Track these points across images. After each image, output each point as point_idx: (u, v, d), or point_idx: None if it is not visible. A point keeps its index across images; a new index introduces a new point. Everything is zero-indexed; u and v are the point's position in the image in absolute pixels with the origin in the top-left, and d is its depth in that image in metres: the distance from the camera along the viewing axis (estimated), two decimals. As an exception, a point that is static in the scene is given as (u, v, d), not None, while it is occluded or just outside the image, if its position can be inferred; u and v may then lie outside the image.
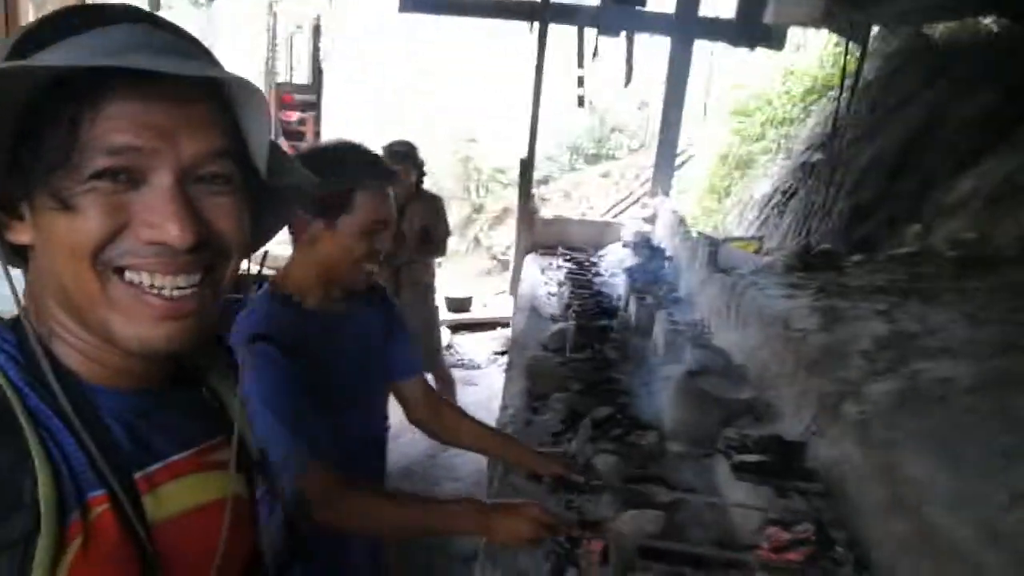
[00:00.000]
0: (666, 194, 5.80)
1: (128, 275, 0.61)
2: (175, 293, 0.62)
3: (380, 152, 3.95)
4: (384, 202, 1.46)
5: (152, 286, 0.61)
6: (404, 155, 3.98)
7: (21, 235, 0.63)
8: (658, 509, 1.70)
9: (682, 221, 4.66)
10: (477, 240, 10.81)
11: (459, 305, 7.04)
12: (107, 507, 0.62)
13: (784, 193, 5.08)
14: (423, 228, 4.12)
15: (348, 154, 1.45)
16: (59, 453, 0.61)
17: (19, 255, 0.66)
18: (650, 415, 2.36)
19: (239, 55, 9.45)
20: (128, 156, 0.59)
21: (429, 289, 4.35)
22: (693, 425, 2.20)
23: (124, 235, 0.60)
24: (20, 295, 0.64)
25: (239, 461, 0.77)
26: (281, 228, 0.86)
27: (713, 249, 3.62)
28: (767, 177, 5.70)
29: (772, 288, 2.87)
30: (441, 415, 1.85)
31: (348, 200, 1.41)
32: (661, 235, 5.08)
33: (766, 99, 7.02)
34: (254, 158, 0.66)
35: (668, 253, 4.52)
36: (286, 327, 1.40)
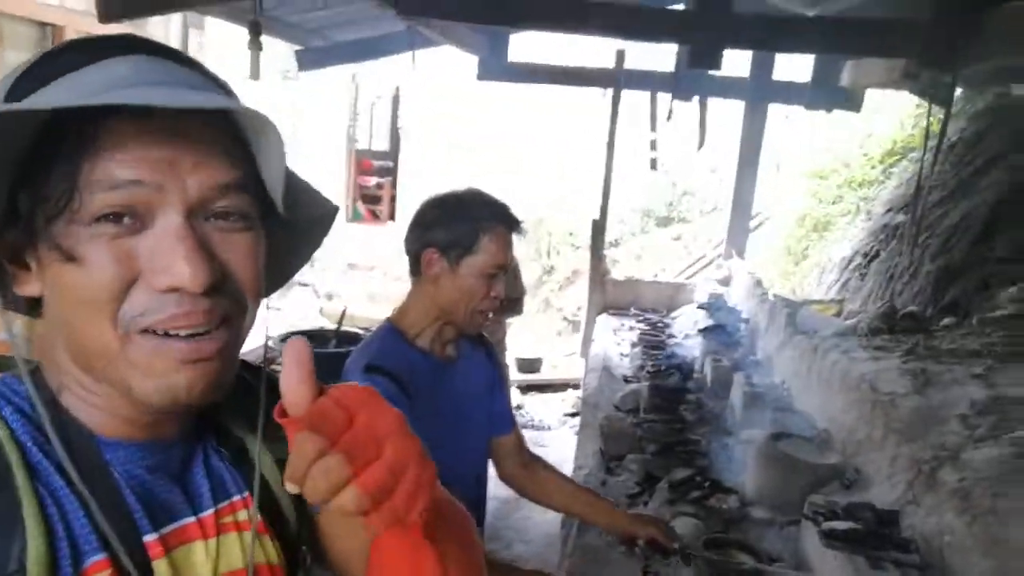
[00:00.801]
0: (741, 256, 5.72)
1: (153, 334, 0.56)
2: (195, 334, 0.56)
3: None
4: (506, 247, 1.50)
5: (169, 333, 0.56)
6: None
7: (29, 287, 0.58)
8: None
9: (758, 283, 4.58)
10: (548, 301, 10.83)
11: (529, 366, 7.03)
12: (108, 573, 0.56)
13: (865, 255, 4.93)
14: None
15: (476, 199, 1.51)
16: (57, 512, 0.55)
17: (32, 305, 0.61)
18: (730, 478, 2.29)
19: (324, 124, 9.91)
20: (130, 192, 0.53)
21: (500, 346, 4.38)
22: (777, 490, 2.12)
23: (138, 287, 0.55)
24: (20, 347, 0.59)
25: (272, 523, 0.69)
26: (303, 264, 0.78)
27: (792, 311, 3.53)
28: (846, 239, 5.55)
29: (857, 351, 2.77)
30: (534, 471, 1.82)
31: (473, 241, 1.46)
32: (736, 297, 4.99)
33: (843, 161, 6.91)
34: (270, 191, 0.60)
35: (744, 315, 4.43)
36: (400, 362, 1.44)
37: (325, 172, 9.72)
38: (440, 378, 1.53)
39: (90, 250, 0.53)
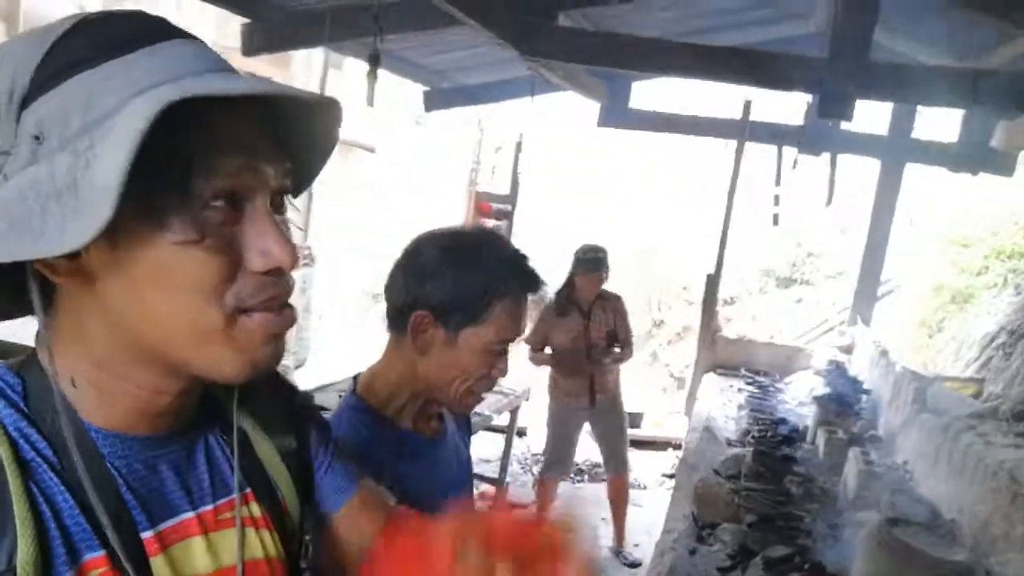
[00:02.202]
0: (866, 324, 5.34)
1: (253, 315, 0.57)
2: (280, 307, 0.59)
3: (574, 256, 4.04)
4: (520, 318, 1.16)
5: (261, 311, 0.58)
6: (600, 261, 4.03)
7: (67, 275, 0.55)
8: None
9: (885, 353, 4.23)
10: (655, 355, 10.52)
11: (630, 420, 6.79)
12: (105, 570, 0.54)
13: (1012, 332, 4.48)
14: (609, 332, 4.09)
15: (492, 250, 1.15)
16: (50, 510, 0.53)
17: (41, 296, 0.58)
18: (835, 563, 2.06)
19: (448, 166, 10.22)
20: (241, 178, 0.55)
21: (618, 395, 4.30)
22: (889, 583, 1.88)
23: (240, 271, 0.56)
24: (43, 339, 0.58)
25: (272, 516, 0.68)
26: (315, 177, 0.73)
27: (921, 386, 3.23)
28: (990, 314, 5.07)
29: (996, 435, 2.47)
30: None
31: (483, 310, 1.11)
32: (858, 366, 4.64)
33: (991, 229, 6.36)
34: (307, 168, 0.65)
35: (865, 386, 4.10)
36: (370, 446, 1.12)
37: (445, 212, 9.99)
38: (428, 459, 1.22)
39: (207, 233, 0.54)
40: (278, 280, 0.58)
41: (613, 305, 4.19)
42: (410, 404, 1.18)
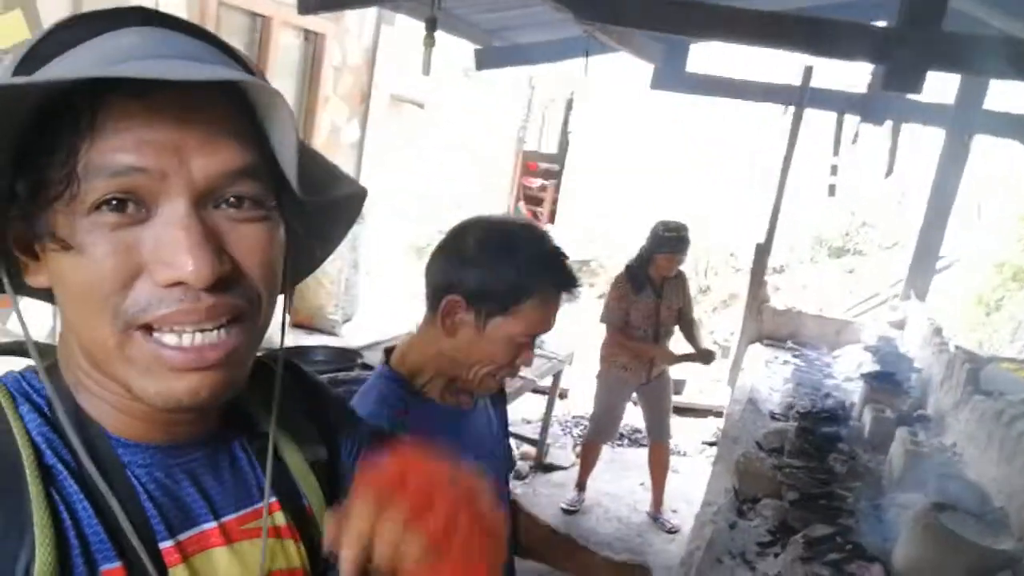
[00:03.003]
0: (921, 299, 5.20)
1: (154, 334, 0.52)
2: (197, 340, 0.52)
3: (650, 233, 3.97)
4: (551, 314, 1.20)
5: (171, 341, 0.52)
6: (685, 241, 3.98)
7: (39, 278, 0.55)
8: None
9: (938, 331, 4.13)
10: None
11: (673, 388, 6.80)
12: None
13: (1074, 315, 4.33)
14: (678, 310, 4.08)
15: (532, 246, 1.17)
16: (70, 519, 0.52)
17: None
18: (877, 545, 2.06)
19: (497, 124, 10.14)
20: (131, 178, 0.49)
21: (667, 369, 4.31)
22: (933, 568, 1.87)
23: (140, 280, 0.51)
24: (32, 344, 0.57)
25: (299, 527, 0.66)
26: (332, 250, 0.73)
27: (976, 367, 3.15)
28: (1053, 294, 4.91)
29: (1052, 423, 2.41)
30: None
31: (514, 302, 1.14)
32: (910, 343, 4.54)
33: (1060, 206, 6.11)
34: (285, 172, 0.55)
35: (916, 364, 4.02)
36: (401, 417, 1.18)
37: (493, 170, 9.95)
38: (458, 429, 1.26)
39: (89, 240, 0.50)
40: (190, 296, 0.51)
41: (682, 283, 4.16)
42: (437, 379, 1.23)
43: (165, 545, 0.57)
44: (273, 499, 0.65)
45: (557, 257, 1.18)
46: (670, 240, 3.93)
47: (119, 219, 0.50)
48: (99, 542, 0.53)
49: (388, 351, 1.29)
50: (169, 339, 0.52)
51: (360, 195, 0.67)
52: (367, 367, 3.31)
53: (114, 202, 0.50)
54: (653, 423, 4.31)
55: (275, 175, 0.56)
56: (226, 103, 0.52)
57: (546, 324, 1.19)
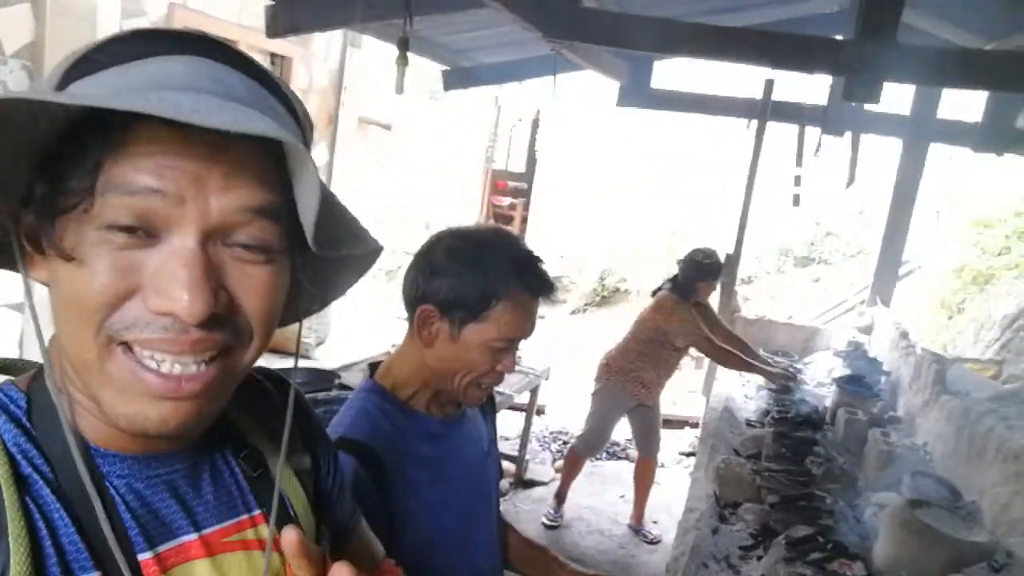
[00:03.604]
0: (886, 304, 5.33)
1: (134, 351, 0.52)
2: (176, 370, 0.52)
3: (686, 262, 3.97)
4: (527, 319, 1.18)
5: (152, 364, 0.52)
6: (721, 268, 4.03)
7: (40, 272, 0.55)
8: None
9: (905, 335, 4.23)
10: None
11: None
12: None
13: (1033, 315, 4.47)
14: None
15: (501, 249, 1.17)
16: (46, 528, 0.52)
17: None
18: (857, 544, 2.10)
19: (465, 144, 10.20)
20: (148, 200, 0.49)
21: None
22: (911, 563, 1.92)
23: (133, 300, 0.51)
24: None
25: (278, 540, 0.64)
26: (339, 296, 0.73)
27: (942, 368, 3.23)
28: (1011, 295, 5.05)
29: (1017, 419, 2.48)
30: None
31: (483, 308, 1.14)
32: (878, 347, 4.64)
33: (1014, 210, 6.31)
34: (304, 226, 0.54)
35: (885, 367, 4.11)
36: (385, 433, 1.16)
37: (462, 190, 9.99)
38: (445, 441, 1.24)
39: (93, 255, 0.50)
40: (178, 328, 0.51)
41: (709, 309, 4.22)
42: (422, 392, 1.22)
43: (144, 557, 0.56)
44: (257, 511, 0.65)
45: (527, 260, 1.18)
46: (711, 268, 3.98)
47: (126, 240, 0.50)
48: (76, 552, 0.53)
49: (373, 366, 1.29)
50: (149, 362, 0.52)
51: (376, 252, 0.66)
52: (344, 387, 3.30)
53: (125, 227, 0.50)
54: (644, 439, 4.32)
55: (293, 219, 0.55)
56: (256, 142, 0.51)
57: (521, 328, 1.17)
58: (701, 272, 4.00)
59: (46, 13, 3.63)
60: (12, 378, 0.59)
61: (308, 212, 0.52)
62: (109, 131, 0.49)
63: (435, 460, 1.20)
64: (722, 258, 4.16)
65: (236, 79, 0.55)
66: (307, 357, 5.84)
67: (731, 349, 4.05)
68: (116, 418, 0.53)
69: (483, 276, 1.13)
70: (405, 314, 1.23)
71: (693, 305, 4.04)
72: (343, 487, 0.79)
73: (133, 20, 4.12)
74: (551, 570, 1.44)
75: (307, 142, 0.61)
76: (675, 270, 4.17)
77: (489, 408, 1.44)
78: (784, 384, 3.93)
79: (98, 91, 0.51)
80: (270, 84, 0.58)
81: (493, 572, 1.37)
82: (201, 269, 0.51)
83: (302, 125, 0.61)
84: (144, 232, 0.50)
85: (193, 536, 0.60)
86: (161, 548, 0.58)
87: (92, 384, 0.53)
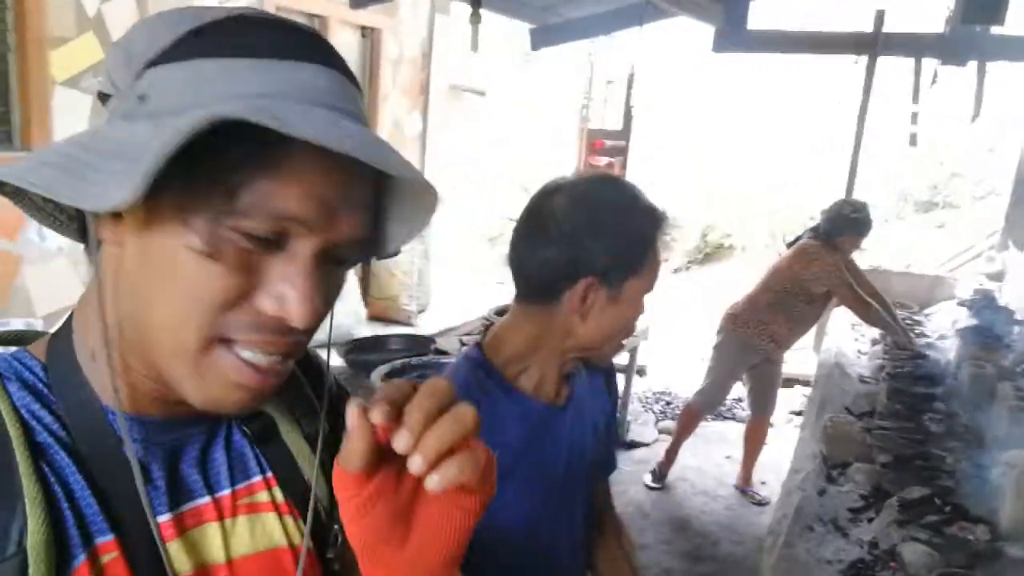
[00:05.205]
0: (1021, 249, 4.88)
1: (234, 348, 0.54)
2: (265, 362, 0.55)
3: (831, 214, 3.76)
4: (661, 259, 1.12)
5: (249, 357, 0.54)
6: (871, 222, 3.80)
7: (109, 233, 0.54)
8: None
9: (1041, 279, 3.87)
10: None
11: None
12: (116, 555, 0.54)
13: None
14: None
15: (636, 201, 1.09)
16: (63, 492, 0.53)
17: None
18: (980, 506, 1.94)
19: (560, 104, 10.07)
20: (288, 224, 0.51)
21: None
22: (1042, 527, 1.76)
23: (247, 301, 0.53)
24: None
25: (298, 503, 0.66)
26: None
27: (1084, 315, 2.93)
28: None
29: None
30: (600, 538, 1.40)
31: (643, 259, 1.07)
32: (1010, 295, 4.27)
33: None
34: (387, 240, 0.61)
35: (1018, 316, 3.77)
36: (485, 411, 1.02)
37: (558, 151, 9.89)
38: (546, 429, 1.14)
39: (222, 249, 0.51)
40: (282, 330, 0.54)
41: (849, 264, 3.95)
42: (534, 370, 1.13)
43: (163, 519, 0.57)
44: (269, 474, 0.66)
45: (654, 202, 1.10)
46: (857, 221, 3.73)
47: (255, 245, 0.52)
48: (93, 515, 0.54)
49: (486, 328, 1.22)
50: (247, 355, 0.54)
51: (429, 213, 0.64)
52: (440, 351, 3.36)
53: (257, 236, 0.51)
54: (760, 396, 4.15)
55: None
56: (372, 171, 0.52)
57: (660, 268, 1.12)
58: (848, 225, 3.73)
59: (148, 4, 3.80)
60: (25, 346, 0.59)
61: (405, 236, 0.60)
62: (269, 147, 0.49)
63: (527, 448, 1.11)
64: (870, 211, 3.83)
65: (353, 89, 0.56)
66: (410, 324, 5.99)
67: (873, 303, 3.81)
68: (195, 399, 0.55)
69: (637, 225, 1.07)
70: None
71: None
72: None
73: (229, 2, 4.26)
74: None
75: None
76: (789, 222, 3.94)
77: (607, 376, 1.33)
78: (913, 353, 3.65)
79: (253, 99, 0.49)
80: (358, 84, 0.59)
81: (575, 571, 1.29)
82: (317, 282, 0.53)
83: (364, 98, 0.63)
84: (272, 241, 0.52)
85: (207, 499, 0.61)
86: (179, 510, 0.59)
87: (176, 370, 0.54)
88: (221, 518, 0.61)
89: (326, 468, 0.68)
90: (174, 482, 0.59)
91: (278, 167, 0.50)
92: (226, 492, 0.62)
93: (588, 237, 1.03)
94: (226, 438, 0.65)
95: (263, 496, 0.64)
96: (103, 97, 0.56)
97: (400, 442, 0.46)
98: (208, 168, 0.49)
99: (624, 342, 1.15)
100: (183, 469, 0.61)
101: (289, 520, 0.65)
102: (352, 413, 0.47)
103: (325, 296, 0.56)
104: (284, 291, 0.53)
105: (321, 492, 0.68)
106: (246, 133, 0.47)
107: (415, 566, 0.52)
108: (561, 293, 1.06)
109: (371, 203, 0.57)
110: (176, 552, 0.57)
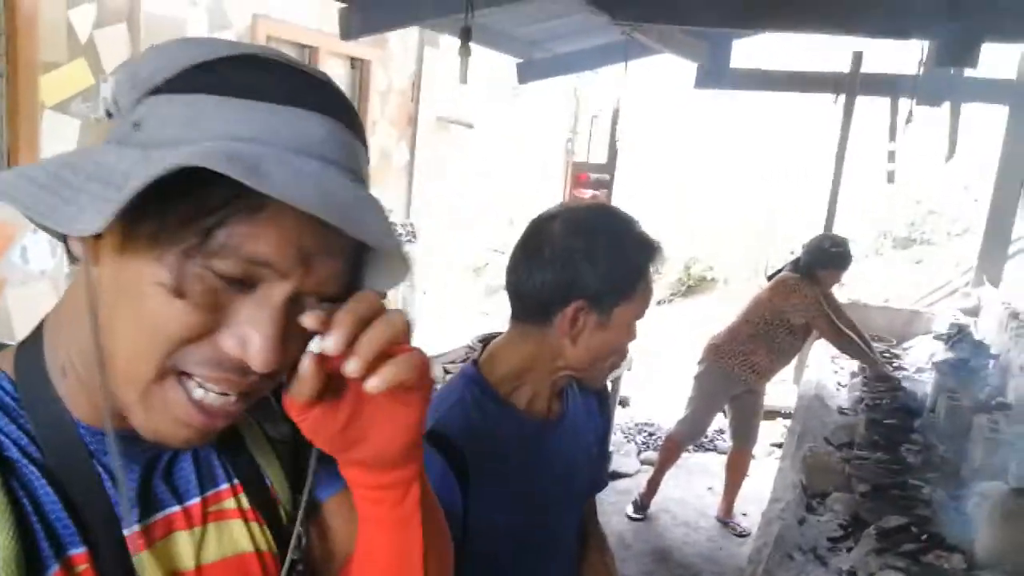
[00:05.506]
0: (994, 285, 4.98)
1: (185, 382, 0.53)
2: (217, 403, 0.54)
3: (811, 248, 3.79)
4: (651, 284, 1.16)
5: (198, 395, 0.54)
6: (850, 257, 3.85)
7: (87, 252, 0.53)
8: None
9: (1015, 315, 3.95)
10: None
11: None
12: (87, 567, 0.54)
13: None
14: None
15: (629, 227, 1.13)
16: (32, 506, 0.53)
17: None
18: (956, 535, 1.97)
19: (544, 137, 10.19)
20: (261, 270, 0.51)
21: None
22: (1017, 554, 1.79)
23: (209, 337, 0.52)
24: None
25: (262, 509, 0.67)
26: None
27: (1057, 350, 2.99)
28: None
29: None
30: (585, 553, 1.42)
31: (634, 285, 1.10)
32: (985, 330, 4.35)
33: None
34: (369, 287, 0.60)
35: (993, 350, 3.84)
36: (477, 430, 1.10)
37: (544, 184, 9.98)
38: (540, 444, 1.18)
39: (189, 286, 0.50)
40: (242, 370, 0.53)
41: (828, 298, 4.00)
42: (527, 388, 1.16)
43: (131, 531, 0.57)
44: (236, 482, 0.66)
45: (645, 231, 1.14)
46: (837, 256, 3.78)
47: (225, 286, 0.51)
48: (64, 527, 0.54)
49: (482, 345, 1.24)
50: (197, 393, 0.53)
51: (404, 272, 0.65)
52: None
53: (226, 277, 0.51)
54: (742, 428, 4.16)
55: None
56: None
57: (651, 295, 1.15)
58: (828, 259, 3.78)
59: (140, 32, 3.84)
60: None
61: (381, 286, 0.60)
62: (245, 188, 0.46)
63: (522, 463, 1.15)
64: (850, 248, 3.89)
65: (349, 138, 0.55)
66: (393, 352, 5.96)
67: (851, 334, 3.85)
68: (142, 429, 0.55)
69: (630, 253, 1.10)
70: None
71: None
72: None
73: (220, 32, 4.31)
74: None
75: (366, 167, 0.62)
76: (770, 256, 4.00)
77: (598, 397, 1.37)
78: (892, 384, 3.70)
79: (244, 144, 0.49)
80: (362, 133, 0.59)
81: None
82: (282, 329, 0.52)
83: (367, 153, 0.62)
84: (242, 282, 0.51)
85: (176, 508, 0.62)
86: (148, 521, 0.60)
87: (127, 392, 0.54)
88: (191, 526, 0.62)
89: (287, 470, 0.70)
90: (145, 493, 0.60)
91: (257, 211, 0.49)
92: (195, 501, 0.63)
93: (582, 262, 1.07)
94: (194, 450, 0.65)
95: (230, 503, 0.65)
96: (109, 115, 0.57)
97: (331, 343, 0.50)
98: (187, 205, 0.49)
99: (616, 365, 1.18)
100: (153, 480, 0.61)
101: (255, 526, 0.66)
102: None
103: (291, 339, 0.54)
104: (249, 334, 0.52)
105: (283, 496, 0.69)
106: (214, 183, 0.46)
107: (379, 458, 0.58)
108: (554, 315, 1.10)
109: (350, 253, 0.56)
110: (147, 562, 0.58)
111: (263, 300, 0.52)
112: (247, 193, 0.46)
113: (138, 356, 0.52)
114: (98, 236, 0.51)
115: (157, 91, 0.52)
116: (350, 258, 0.56)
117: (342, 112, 0.55)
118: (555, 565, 1.25)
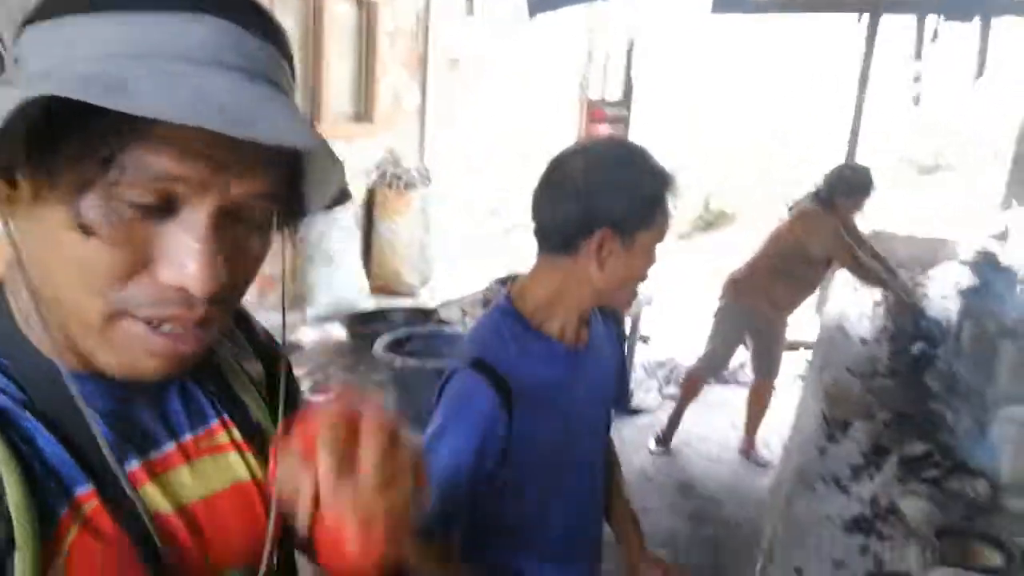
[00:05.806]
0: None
1: (140, 320, 0.53)
2: (177, 331, 0.54)
3: (831, 178, 3.72)
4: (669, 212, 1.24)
5: (160, 331, 0.53)
6: (872, 185, 3.77)
7: (9, 204, 0.51)
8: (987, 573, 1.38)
9: (1044, 238, 3.86)
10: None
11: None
12: (97, 503, 0.55)
13: None
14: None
15: (646, 159, 1.21)
16: (32, 453, 0.52)
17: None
18: (980, 460, 1.95)
19: (559, 73, 9.96)
20: (173, 185, 0.49)
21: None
22: (1042, 478, 1.77)
23: (143, 273, 0.51)
24: None
25: (251, 440, 0.69)
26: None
27: (1087, 272, 2.92)
28: None
29: None
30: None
31: (654, 212, 1.18)
32: (1013, 255, 4.25)
33: None
34: (307, 204, 0.60)
35: (1021, 275, 3.76)
36: (516, 359, 1.19)
37: (558, 121, 9.81)
38: (571, 367, 1.28)
39: (105, 224, 0.48)
40: (188, 302, 0.52)
41: (850, 227, 3.95)
42: (558, 317, 1.26)
43: (132, 467, 0.59)
44: (224, 415, 0.68)
45: (658, 161, 1.22)
46: (857, 185, 3.72)
47: (143, 214, 0.49)
48: (67, 468, 0.54)
49: (511, 281, 1.36)
50: (145, 330, 0.53)
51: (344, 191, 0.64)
52: (442, 322, 3.38)
53: (142, 203, 0.49)
54: (763, 361, 4.14)
55: (288, 191, 0.58)
56: None
57: (668, 221, 1.23)
58: (848, 189, 3.73)
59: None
60: None
61: (322, 199, 0.59)
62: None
63: (556, 385, 1.25)
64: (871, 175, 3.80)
65: (256, 44, 0.52)
66: (412, 296, 6.00)
67: (873, 263, 3.79)
68: (110, 368, 0.55)
69: (649, 180, 1.18)
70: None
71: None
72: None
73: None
74: (629, 542, 1.54)
75: (292, 77, 0.58)
76: (791, 188, 3.91)
77: (617, 327, 1.50)
78: (915, 312, 3.64)
79: (117, 61, 0.46)
80: (276, 36, 0.55)
81: (594, 494, 1.44)
82: (214, 246, 0.51)
83: (293, 68, 0.58)
84: (161, 208, 0.50)
85: (172, 445, 0.63)
86: (147, 457, 0.61)
87: (87, 340, 0.54)
88: (189, 460, 0.64)
89: (265, 403, 0.73)
90: (138, 432, 0.61)
91: (150, 130, 0.46)
92: (188, 437, 0.65)
93: (603, 193, 1.16)
94: (180, 386, 0.66)
95: (223, 437, 0.67)
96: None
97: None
98: (75, 140, 0.46)
99: (636, 289, 1.28)
100: (143, 419, 0.62)
101: (249, 456, 0.68)
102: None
103: (235, 261, 0.54)
104: (182, 259, 0.50)
105: (269, 430, 0.71)
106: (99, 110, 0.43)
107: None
108: (580, 245, 1.19)
109: (280, 161, 0.54)
110: (153, 494, 0.59)
111: (188, 221, 0.51)
112: (133, 114, 0.43)
113: (79, 303, 0.52)
114: (10, 189, 0.50)
115: (31, 21, 0.49)
116: (281, 166, 0.55)
117: (246, 14, 0.51)
118: (589, 477, 1.40)
